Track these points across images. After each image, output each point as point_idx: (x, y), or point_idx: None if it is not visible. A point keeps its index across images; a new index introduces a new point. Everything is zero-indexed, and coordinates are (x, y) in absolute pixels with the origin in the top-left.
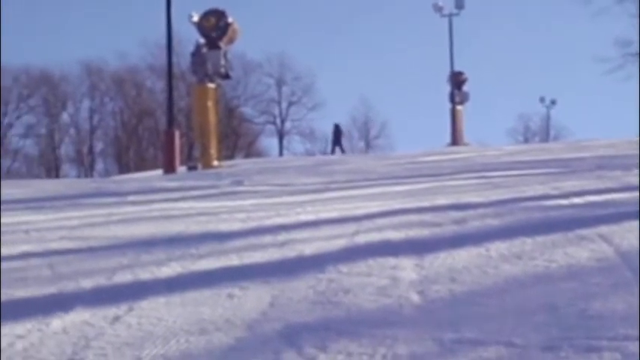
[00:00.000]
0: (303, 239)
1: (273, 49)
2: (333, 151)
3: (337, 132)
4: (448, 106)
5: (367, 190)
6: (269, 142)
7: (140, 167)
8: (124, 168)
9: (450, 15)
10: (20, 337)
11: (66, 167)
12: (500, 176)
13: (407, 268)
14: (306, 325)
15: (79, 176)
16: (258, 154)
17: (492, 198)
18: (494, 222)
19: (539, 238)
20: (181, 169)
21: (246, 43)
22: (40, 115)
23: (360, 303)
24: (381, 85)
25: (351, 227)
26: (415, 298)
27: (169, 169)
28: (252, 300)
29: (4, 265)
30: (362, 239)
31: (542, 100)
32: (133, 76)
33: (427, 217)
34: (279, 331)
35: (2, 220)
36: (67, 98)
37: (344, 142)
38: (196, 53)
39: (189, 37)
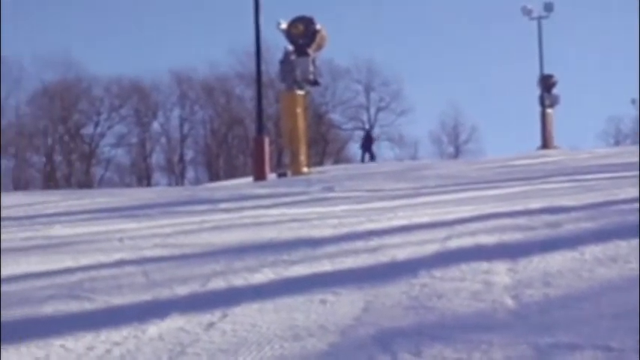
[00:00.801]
0: (396, 244)
1: (361, 55)
2: (363, 159)
3: (368, 139)
4: (538, 109)
5: (458, 194)
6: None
7: (230, 175)
8: (214, 176)
9: (539, 18)
10: (117, 344)
11: (157, 176)
12: (593, 179)
13: (500, 272)
14: (399, 331)
15: (169, 184)
16: (347, 160)
17: (585, 201)
18: (588, 225)
19: (634, 241)
20: (271, 176)
21: (334, 50)
22: (131, 124)
23: (453, 308)
24: (470, 89)
25: (443, 232)
26: (509, 302)
27: (259, 176)
28: (345, 305)
29: (101, 272)
30: (454, 244)
31: (633, 102)
32: (222, 84)
33: (520, 221)
34: (372, 336)
35: (97, 229)
36: (158, 107)
37: (373, 148)
38: (285, 60)
39: (277, 45)
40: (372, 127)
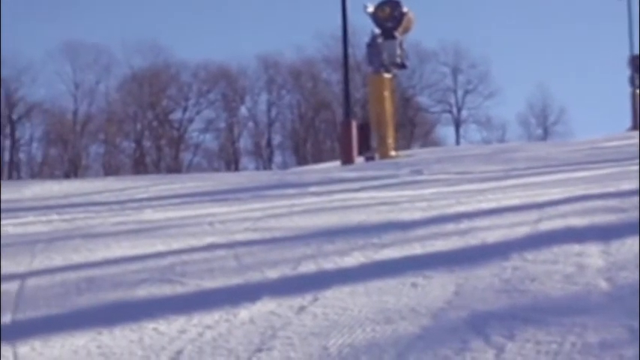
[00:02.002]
0: (486, 227)
1: (448, 38)
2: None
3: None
4: (628, 89)
5: (548, 176)
6: (445, 131)
7: (317, 159)
8: (301, 160)
9: None
10: (209, 327)
11: (244, 160)
12: None
13: (593, 254)
14: (492, 314)
15: (257, 169)
16: (435, 143)
17: None
18: None
19: None
20: (359, 160)
21: (421, 32)
22: (219, 109)
23: (546, 291)
24: (559, 70)
25: (533, 214)
26: (603, 285)
27: (347, 159)
28: (436, 289)
29: (192, 255)
30: (545, 226)
31: None
32: (309, 68)
33: (612, 202)
34: (464, 319)
35: (188, 213)
36: (245, 92)
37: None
38: (372, 44)
39: (364, 28)
40: (459, 109)
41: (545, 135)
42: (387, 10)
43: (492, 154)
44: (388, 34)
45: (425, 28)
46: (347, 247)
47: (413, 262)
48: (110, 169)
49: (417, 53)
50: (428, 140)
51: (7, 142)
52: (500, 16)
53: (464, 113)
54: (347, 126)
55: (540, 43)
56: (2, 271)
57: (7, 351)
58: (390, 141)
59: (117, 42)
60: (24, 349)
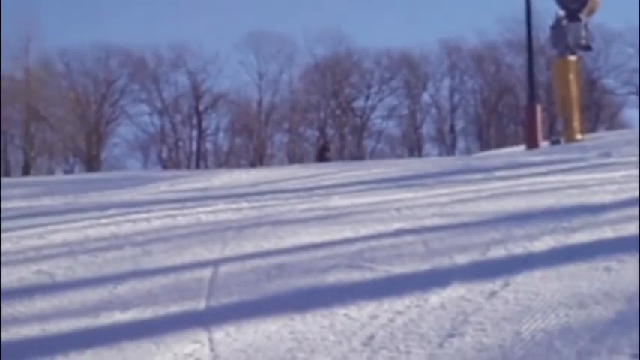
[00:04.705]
0: None
1: (634, 18)
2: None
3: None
4: None
5: None
6: (631, 114)
7: (501, 144)
8: (484, 145)
9: None
10: (400, 312)
11: (427, 147)
12: None
13: None
14: None
15: (440, 155)
16: (621, 126)
17: None
18: None
19: None
20: (544, 144)
21: (606, 13)
22: (401, 96)
23: None
24: None
25: None
26: None
27: (532, 144)
28: (630, 273)
29: (380, 241)
30: None
31: None
32: (491, 52)
33: None
34: None
35: (374, 199)
36: (428, 78)
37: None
38: (556, 26)
39: (547, 11)
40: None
41: None
42: None
43: None
44: (573, 16)
45: (609, 9)
46: (536, 232)
47: (605, 245)
48: (294, 158)
49: (602, 35)
50: (614, 123)
51: (194, 133)
52: None
53: None
54: (531, 110)
55: None
56: (197, 258)
57: (203, 336)
58: (576, 124)
59: (299, 31)
60: (219, 334)
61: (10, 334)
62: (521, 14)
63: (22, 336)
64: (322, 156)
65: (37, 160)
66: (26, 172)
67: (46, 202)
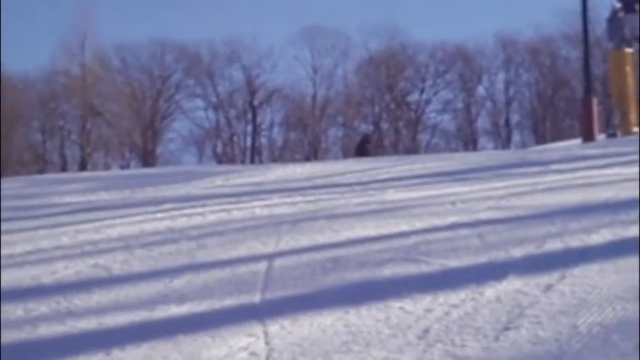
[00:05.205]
0: None
1: None
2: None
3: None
4: None
5: None
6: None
7: (557, 137)
8: (540, 139)
9: None
10: (455, 306)
11: (482, 140)
12: None
13: None
14: None
15: (495, 148)
16: None
17: None
18: None
19: None
20: (600, 137)
21: None
22: (456, 89)
23: None
24: None
25: None
26: None
27: (588, 137)
28: None
29: (435, 235)
30: None
31: None
32: (547, 45)
33: None
34: None
35: (430, 193)
36: (483, 71)
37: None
38: (613, 18)
39: (603, 3)
40: None
41: None
42: None
43: None
44: (629, 8)
45: None
46: (593, 225)
47: None
48: (349, 152)
49: None
50: None
51: (249, 128)
52: None
53: None
54: (588, 103)
55: None
56: (252, 251)
57: (258, 329)
58: (633, 117)
59: (354, 26)
60: (274, 327)
61: (68, 327)
62: (578, 7)
63: (78, 330)
64: (362, 149)
65: (94, 155)
66: (83, 167)
67: (103, 196)
